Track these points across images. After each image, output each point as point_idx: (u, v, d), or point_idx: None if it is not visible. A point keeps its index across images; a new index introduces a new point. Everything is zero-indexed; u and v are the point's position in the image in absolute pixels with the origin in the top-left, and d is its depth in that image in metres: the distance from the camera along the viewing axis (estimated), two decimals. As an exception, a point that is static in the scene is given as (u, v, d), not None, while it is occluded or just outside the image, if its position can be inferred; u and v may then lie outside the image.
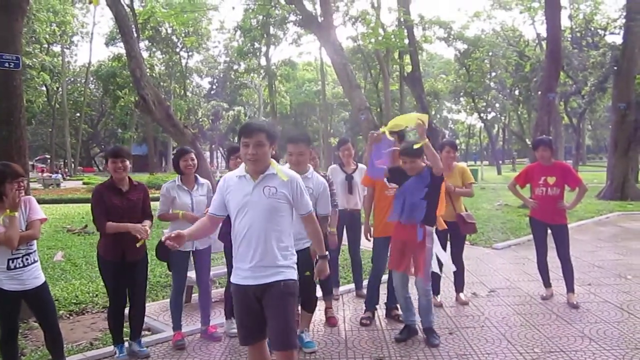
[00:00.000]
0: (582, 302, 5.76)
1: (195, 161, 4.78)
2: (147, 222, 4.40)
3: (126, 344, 4.57)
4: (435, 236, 4.74)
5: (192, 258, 4.91)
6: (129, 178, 4.43)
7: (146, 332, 5.13)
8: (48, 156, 51.68)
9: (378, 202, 5.21)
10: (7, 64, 5.45)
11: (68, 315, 5.71)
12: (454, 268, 5.27)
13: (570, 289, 5.80)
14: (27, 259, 3.76)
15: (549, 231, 5.89)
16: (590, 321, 5.13)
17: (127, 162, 4.36)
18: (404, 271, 4.74)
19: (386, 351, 4.49)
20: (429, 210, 4.58)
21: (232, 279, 3.13)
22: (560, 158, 40.02)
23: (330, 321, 5.28)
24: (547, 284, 6.03)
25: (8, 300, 3.69)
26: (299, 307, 4.51)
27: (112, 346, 4.49)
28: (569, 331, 4.86)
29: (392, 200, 4.82)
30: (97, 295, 6.26)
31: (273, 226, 3.01)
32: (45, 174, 38.13)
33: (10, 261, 3.67)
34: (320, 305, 5.57)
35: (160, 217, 4.81)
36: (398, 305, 5.13)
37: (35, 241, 3.87)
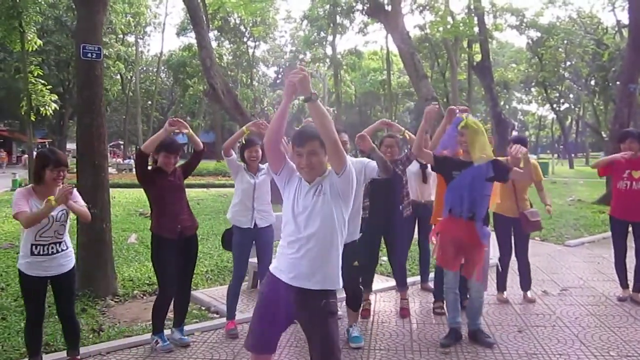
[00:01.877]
0: (663, 305, 5.46)
1: (260, 153, 4.75)
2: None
3: (167, 331, 4.57)
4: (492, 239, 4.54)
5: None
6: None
7: (215, 315, 5.30)
8: (121, 142, 53.98)
9: (442, 191, 4.88)
10: (89, 55, 5.72)
11: (142, 295, 5.97)
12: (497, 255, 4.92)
13: (637, 288, 5.59)
14: (52, 248, 3.75)
15: (630, 229, 5.60)
16: (672, 326, 4.86)
17: (178, 158, 4.50)
18: (459, 270, 4.52)
19: (452, 346, 4.42)
20: (486, 206, 4.38)
21: None
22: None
23: (403, 312, 5.25)
24: (624, 284, 5.75)
25: (31, 284, 3.74)
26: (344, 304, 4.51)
27: (153, 334, 4.43)
28: (648, 335, 4.62)
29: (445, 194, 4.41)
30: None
31: None
32: (118, 159, 39.90)
33: (34, 247, 3.70)
34: (394, 296, 5.59)
35: (224, 146, 4.70)
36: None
37: (66, 231, 3.87)
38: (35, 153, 4.40)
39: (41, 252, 3.72)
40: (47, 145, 43.08)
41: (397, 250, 5.29)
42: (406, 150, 5.17)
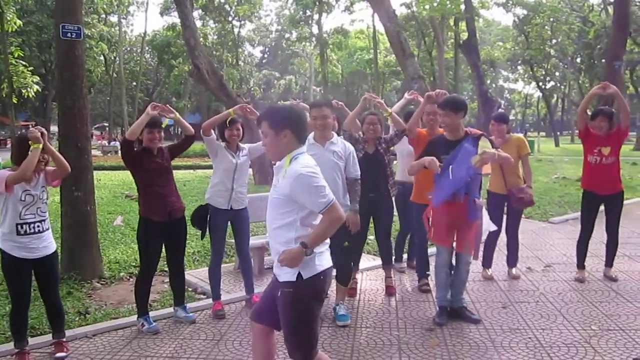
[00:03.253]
0: (644, 280, 5.56)
1: (241, 131, 4.77)
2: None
3: (171, 309, 4.71)
4: (484, 210, 4.56)
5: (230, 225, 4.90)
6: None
7: (201, 296, 5.31)
8: (106, 124, 53.37)
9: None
10: (69, 34, 5.60)
11: (128, 277, 5.95)
12: (493, 227, 4.88)
13: (609, 263, 5.68)
14: (38, 226, 3.74)
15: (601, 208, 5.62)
16: (652, 300, 4.95)
17: (162, 134, 4.46)
18: (452, 248, 4.59)
19: (445, 324, 4.46)
20: (479, 184, 4.43)
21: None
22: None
23: (389, 290, 5.30)
24: (581, 264, 5.73)
25: (18, 267, 3.71)
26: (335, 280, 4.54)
27: (139, 317, 4.44)
28: (629, 309, 4.71)
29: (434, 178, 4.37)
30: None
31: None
32: (103, 141, 39.48)
33: (19, 226, 3.67)
34: (380, 274, 5.62)
35: (204, 125, 4.71)
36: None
37: (47, 209, 3.87)
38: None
39: (27, 231, 3.70)
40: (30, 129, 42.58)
41: (382, 228, 5.30)
42: (391, 132, 5.16)
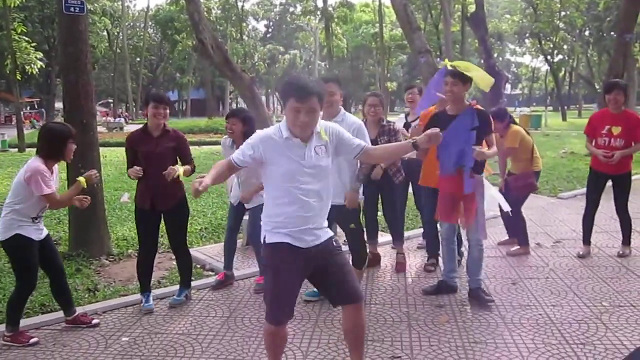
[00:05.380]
0: (654, 255, 5.52)
1: (238, 126, 4.61)
2: (185, 167, 4.27)
3: (175, 287, 4.69)
4: (486, 181, 4.49)
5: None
6: (164, 124, 4.34)
7: (210, 273, 5.31)
8: (111, 100, 53.25)
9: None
10: (72, 9, 5.51)
11: (136, 254, 5.93)
12: (508, 208, 4.86)
13: (625, 242, 5.64)
14: (43, 210, 3.86)
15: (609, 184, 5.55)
16: (663, 276, 4.92)
17: (168, 110, 4.30)
18: (456, 223, 4.55)
19: (447, 299, 4.46)
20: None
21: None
22: (632, 104, 37.70)
23: (398, 267, 5.28)
24: (587, 240, 5.67)
25: (32, 248, 3.77)
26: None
27: (141, 293, 4.48)
28: (640, 285, 4.68)
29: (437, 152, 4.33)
30: (162, 235, 6.47)
31: None
32: (108, 118, 39.38)
33: (34, 219, 3.79)
34: (389, 251, 5.60)
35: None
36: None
37: None
38: (41, 127, 4.20)
39: (37, 220, 3.83)
40: (35, 105, 42.49)
41: (391, 204, 5.26)
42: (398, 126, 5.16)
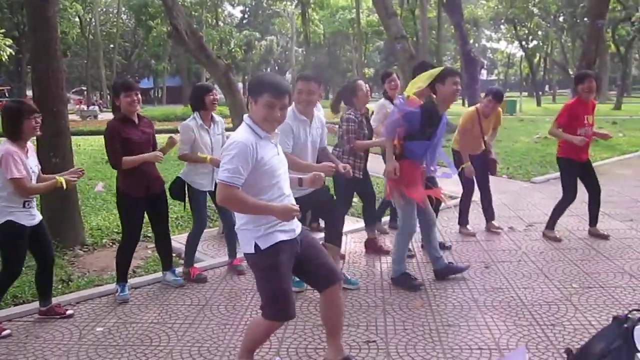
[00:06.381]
0: (623, 238, 5.66)
1: (218, 97, 4.69)
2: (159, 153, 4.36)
3: (155, 275, 4.72)
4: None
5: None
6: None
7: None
8: (84, 88, 52.22)
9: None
10: (39, -6, 5.38)
11: (111, 244, 5.91)
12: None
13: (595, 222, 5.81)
14: (34, 198, 3.85)
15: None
16: (631, 257, 5.04)
17: (140, 96, 4.29)
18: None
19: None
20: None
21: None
22: (604, 89, 38.38)
23: (368, 250, 5.42)
24: (552, 225, 5.83)
25: (23, 236, 3.72)
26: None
27: (117, 283, 4.42)
28: (609, 267, 4.79)
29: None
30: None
31: None
32: (82, 106, 38.67)
33: (26, 202, 3.74)
34: (364, 237, 5.62)
35: (181, 158, 4.65)
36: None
37: None
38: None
39: (29, 205, 3.76)
40: (6, 93, 41.62)
41: (367, 192, 5.33)
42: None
